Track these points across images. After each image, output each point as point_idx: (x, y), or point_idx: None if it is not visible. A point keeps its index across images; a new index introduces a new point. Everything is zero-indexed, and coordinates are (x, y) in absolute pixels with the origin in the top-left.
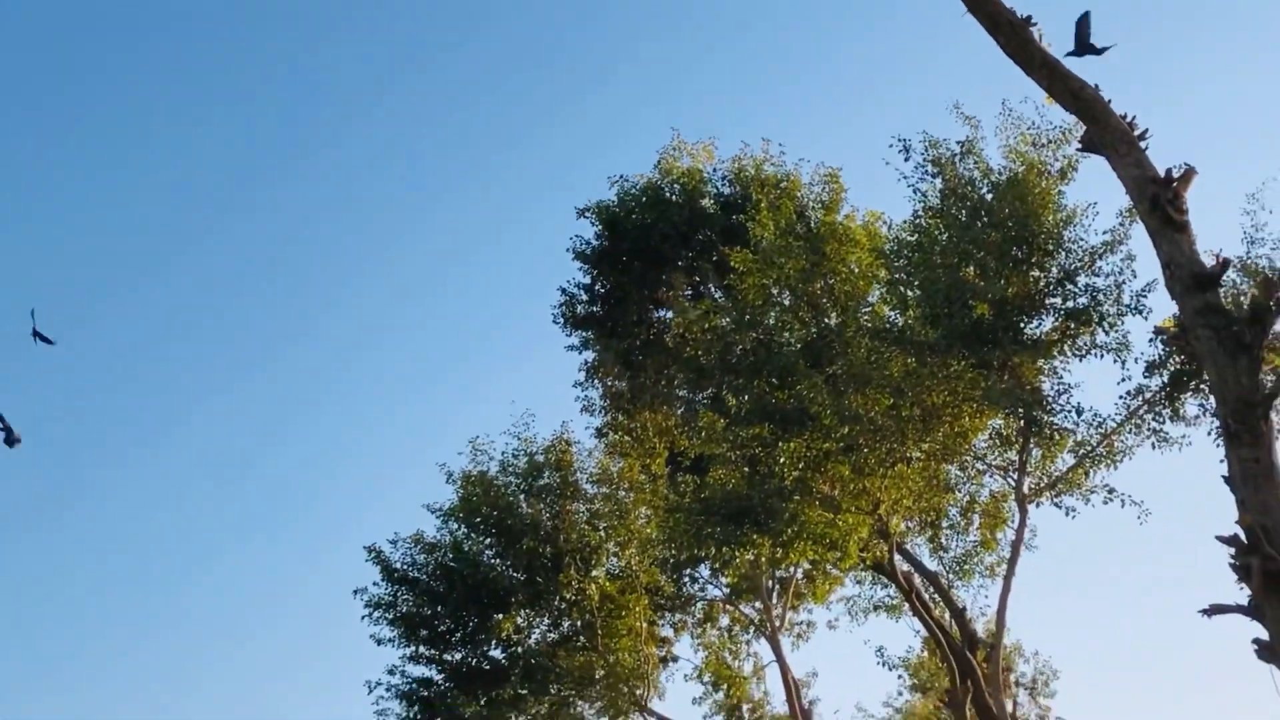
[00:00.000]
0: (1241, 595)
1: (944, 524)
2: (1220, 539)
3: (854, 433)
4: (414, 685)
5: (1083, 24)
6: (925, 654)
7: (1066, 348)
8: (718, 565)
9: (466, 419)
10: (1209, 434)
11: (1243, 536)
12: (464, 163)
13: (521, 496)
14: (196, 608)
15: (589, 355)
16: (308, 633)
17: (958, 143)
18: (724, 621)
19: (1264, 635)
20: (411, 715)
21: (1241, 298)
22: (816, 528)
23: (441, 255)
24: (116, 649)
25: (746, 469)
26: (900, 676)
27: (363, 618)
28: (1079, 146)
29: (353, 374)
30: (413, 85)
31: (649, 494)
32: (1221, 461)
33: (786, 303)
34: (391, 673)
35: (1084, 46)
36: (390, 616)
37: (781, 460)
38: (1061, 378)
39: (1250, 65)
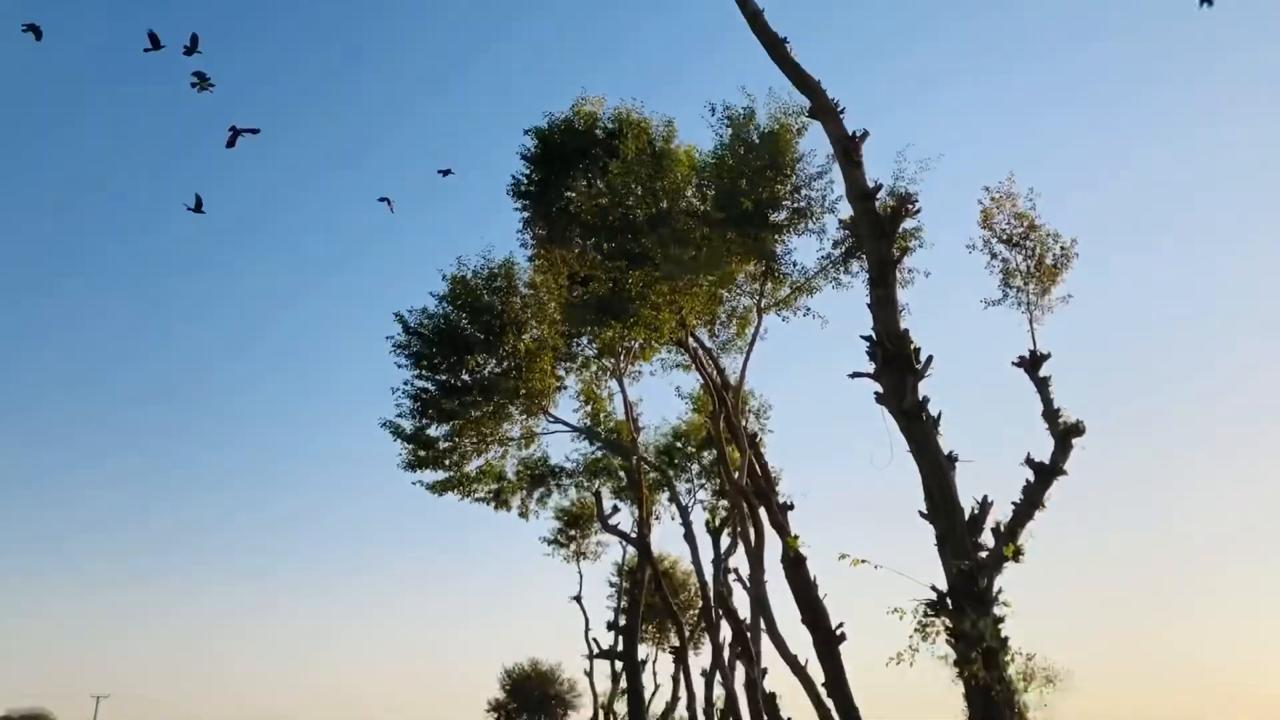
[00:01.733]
0: (872, 368)
1: (718, 321)
2: (863, 337)
3: (672, 270)
4: (417, 390)
5: None
6: (703, 392)
7: (792, 229)
8: (592, 337)
9: (461, 245)
10: (864, 282)
11: (874, 337)
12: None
13: (483, 290)
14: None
15: (526, 215)
16: (360, 365)
17: (742, 108)
18: (593, 369)
19: (879, 390)
20: (415, 408)
21: (888, 206)
22: (647, 319)
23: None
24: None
25: (611, 285)
26: (687, 403)
27: (389, 352)
28: (808, 114)
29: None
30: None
31: (556, 295)
32: (867, 295)
33: (639, 193)
34: (405, 384)
35: None
36: (405, 353)
37: (630, 282)
38: (787, 245)
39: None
